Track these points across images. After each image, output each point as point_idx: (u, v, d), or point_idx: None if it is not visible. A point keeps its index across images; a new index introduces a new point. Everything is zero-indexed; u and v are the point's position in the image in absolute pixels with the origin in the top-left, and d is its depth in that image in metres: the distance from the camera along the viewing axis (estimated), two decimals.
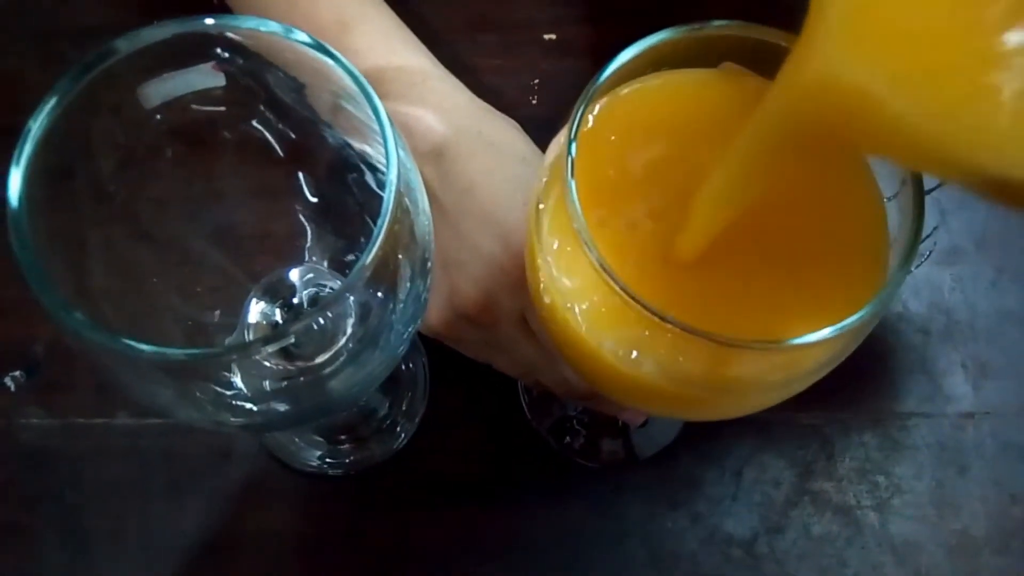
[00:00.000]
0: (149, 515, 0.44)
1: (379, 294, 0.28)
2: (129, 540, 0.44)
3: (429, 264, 0.30)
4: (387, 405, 0.46)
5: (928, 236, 0.49)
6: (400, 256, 0.28)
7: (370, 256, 0.24)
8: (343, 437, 0.46)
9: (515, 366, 0.40)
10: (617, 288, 0.25)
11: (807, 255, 0.29)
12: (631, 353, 0.27)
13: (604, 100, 0.30)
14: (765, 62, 0.27)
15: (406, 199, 0.26)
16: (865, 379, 0.47)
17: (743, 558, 0.44)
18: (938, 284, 0.49)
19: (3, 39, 0.53)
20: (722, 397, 0.27)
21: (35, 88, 0.51)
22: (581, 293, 0.28)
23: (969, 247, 0.50)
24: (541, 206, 0.28)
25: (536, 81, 0.53)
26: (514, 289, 0.36)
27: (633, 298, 0.25)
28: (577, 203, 0.26)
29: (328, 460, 0.45)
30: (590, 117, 0.29)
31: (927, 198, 0.28)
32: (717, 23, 0.27)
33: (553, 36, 0.54)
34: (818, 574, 0.44)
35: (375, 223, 0.25)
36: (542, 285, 0.29)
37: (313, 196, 0.34)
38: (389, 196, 0.25)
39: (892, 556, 0.44)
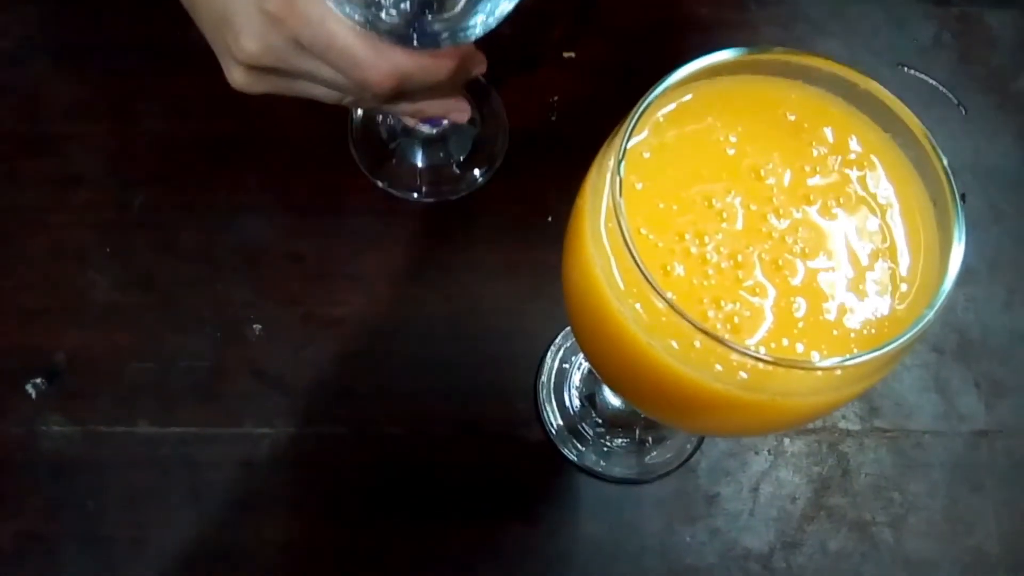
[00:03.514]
0: (170, 523, 0.44)
1: None
2: (150, 548, 0.44)
3: None
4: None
5: None
6: None
7: None
8: None
9: (328, 86, 0.39)
10: (663, 304, 0.25)
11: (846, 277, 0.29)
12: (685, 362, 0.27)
13: (654, 116, 0.30)
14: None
15: None
16: (880, 397, 0.48)
17: (760, 572, 0.44)
18: (951, 304, 0.50)
19: (31, 52, 0.53)
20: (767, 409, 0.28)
21: (59, 100, 0.52)
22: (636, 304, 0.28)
23: (982, 268, 0.50)
24: (592, 209, 0.29)
25: (555, 98, 0.53)
26: None
27: (680, 313, 0.25)
28: (625, 220, 0.26)
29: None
30: (636, 137, 0.30)
31: None
32: (778, 48, 0.27)
33: (572, 54, 0.55)
34: None
35: None
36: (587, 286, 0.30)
37: None
38: None
39: (907, 572, 0.45)
